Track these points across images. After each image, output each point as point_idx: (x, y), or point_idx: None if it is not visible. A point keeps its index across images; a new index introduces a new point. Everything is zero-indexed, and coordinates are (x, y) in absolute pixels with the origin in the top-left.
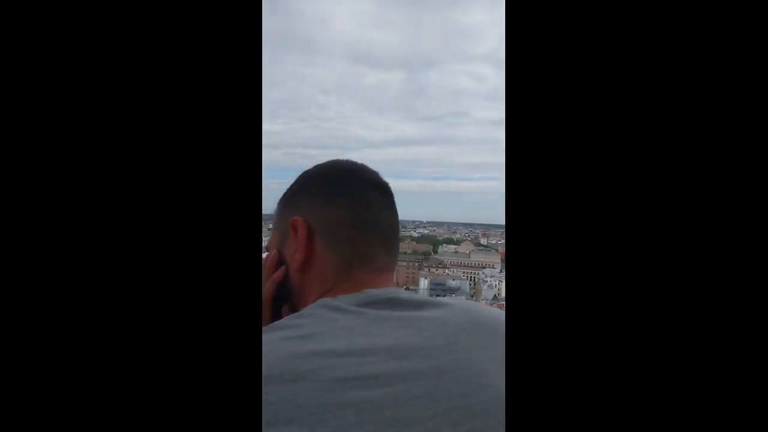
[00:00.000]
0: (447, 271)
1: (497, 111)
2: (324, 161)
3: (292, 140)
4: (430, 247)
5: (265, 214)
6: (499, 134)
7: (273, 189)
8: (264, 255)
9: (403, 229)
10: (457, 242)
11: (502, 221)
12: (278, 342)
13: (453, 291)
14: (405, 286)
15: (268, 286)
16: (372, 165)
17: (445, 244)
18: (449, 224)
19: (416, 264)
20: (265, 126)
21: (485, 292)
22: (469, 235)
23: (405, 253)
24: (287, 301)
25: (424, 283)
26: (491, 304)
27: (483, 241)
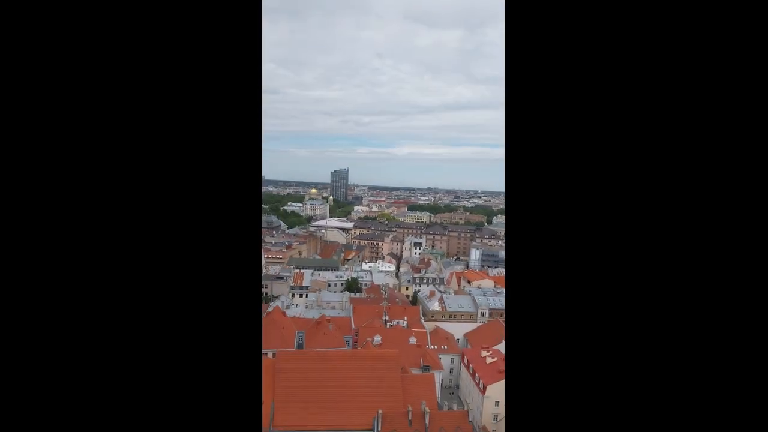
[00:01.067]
0: (500, 242)
1: None
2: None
3: (346, 107)
4: (484, 218)
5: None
6: None
7: (331, 157)
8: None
9: (456, 199)
10: None
11: None
12: None
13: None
14: (455, 257)
15: None
16: (425, 132)
17: (500, 215)
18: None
19: (468, 235)
20: (321, 93)
21: None
22: None
23: (457, 223)
24: None
25: (475, 254)
26: None
27: None
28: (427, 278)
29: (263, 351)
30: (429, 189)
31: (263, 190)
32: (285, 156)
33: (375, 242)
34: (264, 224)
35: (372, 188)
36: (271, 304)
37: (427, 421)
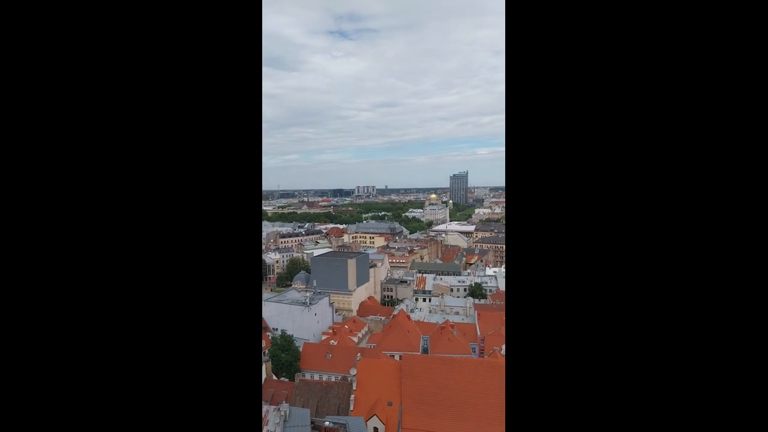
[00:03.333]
0: None
1: None
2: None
3: (464, 110)
4: None
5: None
6: None
7: (450, 161)
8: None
9: None
10: None
11: None
12: None
13: None
14: None
15: None
16: None
17: None
18: None
19: None
20: (440, 99)
21: None
22: None
23: None
24: None
25: None
26: None
27: None
28: None
29: (390, 353)
30: None
31: (386, 199)
32: (405, 165)
33: (499, 246)
34: (387, 230)
35: (494, 189)
36: (396, 307)
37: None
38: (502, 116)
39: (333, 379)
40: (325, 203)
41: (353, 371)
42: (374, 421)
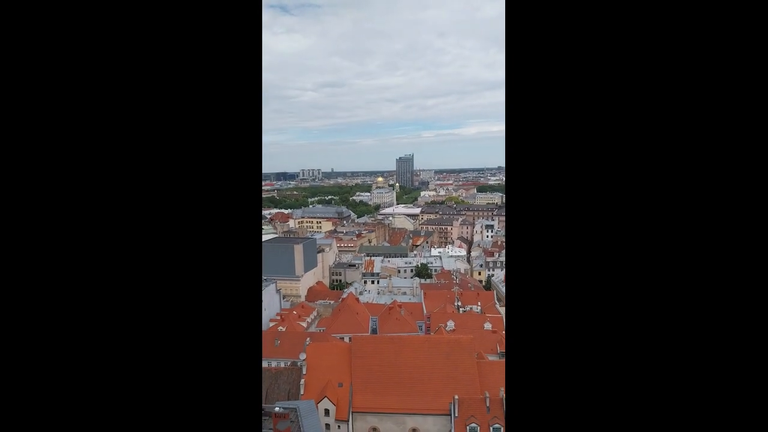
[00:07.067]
0: None
1: None
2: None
3: (409, 92)
4: None
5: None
6: None
7: (396, 144)
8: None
9: None
10: None
11: None
12: None
13: None
14: None
15: None
16: (493, 109)
17: None
18: None
19: None
20: (385, 81)
21: None
22: None
23: None
24: None
25: None
26: None
27: None
28: (501, 262)
29: (340, 335)
30: (499, 168)
31: (333, 182)
32: (352, 147)
33: (443, 227)
34: (335, 215)
35: (438, 172)
36: (345, 290)
37: (506, 408)
38: (447, 98)
39: (282, 365)
40: (269, 187)
41: (303, 356)
42: (325, 403)
